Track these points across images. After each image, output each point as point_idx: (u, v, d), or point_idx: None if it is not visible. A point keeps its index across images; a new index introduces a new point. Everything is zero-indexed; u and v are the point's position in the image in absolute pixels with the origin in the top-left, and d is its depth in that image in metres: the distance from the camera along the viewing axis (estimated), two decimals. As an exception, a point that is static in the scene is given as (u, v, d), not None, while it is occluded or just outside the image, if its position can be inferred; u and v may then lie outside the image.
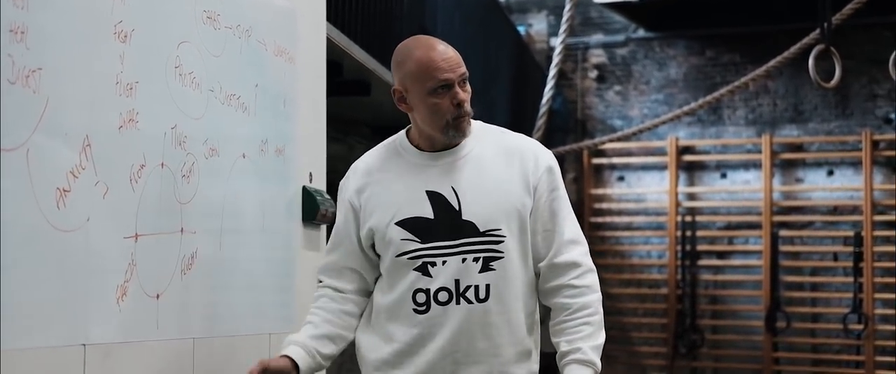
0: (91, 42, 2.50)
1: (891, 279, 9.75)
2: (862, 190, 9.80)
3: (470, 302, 2.84)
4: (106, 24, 2.56)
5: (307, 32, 3.78)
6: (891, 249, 9.75)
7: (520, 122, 9.37)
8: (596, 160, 10.90)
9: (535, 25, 11.29)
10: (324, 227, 3.86)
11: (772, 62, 7.89)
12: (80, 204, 2.44)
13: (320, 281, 2.98)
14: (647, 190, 10.71)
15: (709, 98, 8.48)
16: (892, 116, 9.97)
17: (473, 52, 8.35)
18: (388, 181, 2.92)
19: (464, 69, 2.89)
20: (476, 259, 2.86)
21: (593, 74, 11.10)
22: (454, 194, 2.88)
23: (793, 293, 10.11)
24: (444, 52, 2.87)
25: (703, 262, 10.39)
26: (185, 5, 2.94)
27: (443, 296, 2.83)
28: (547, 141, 9.31)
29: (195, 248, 2.95)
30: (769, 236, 10.01)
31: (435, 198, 2.88)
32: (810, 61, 7.42)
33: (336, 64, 5.44)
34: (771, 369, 10.01)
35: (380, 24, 6.09)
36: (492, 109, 8.99)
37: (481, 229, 2.86)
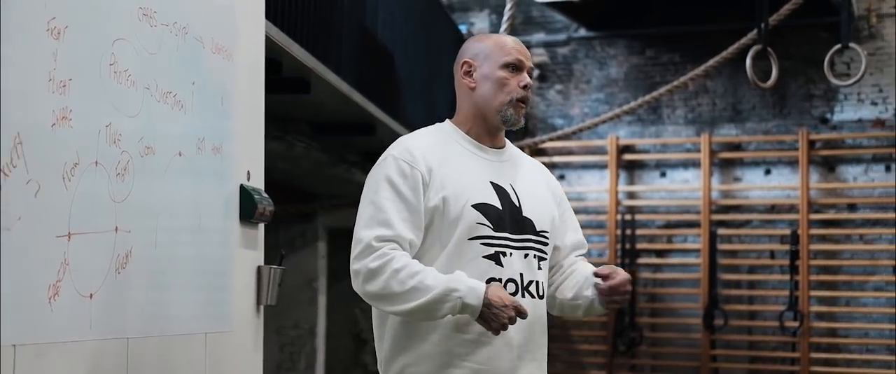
0: (23, 38, 2.47)
1: (826, 277, 9.88)
2: (798, 189, 9.91)
3: (533, 297, 2.95)
4: (39, 21, 2.53)
5: (246, 30, 3.75)
6: (826, 247, 9.89)
7: (461, 120, 9.38)
8: (536, 159, 10.93)
9: (477, 24, 11.30)
10: (262, 225, 3.85)
11: (710, 62, 7.97)
12: (11, 203, 2.41)
13: (376, 247, 2.79)
14: (587, 189, 10.77)
15: (648, 97, 8.55)
16: (829, 115, 10.10)
17: (414, 51, 8.35)
18: (453, 162, 2.94)
19: (532, 66, 3.07)
20: (535, 256, 2.98)
21: (534, 72, 11.13)
22: (513, 191, 2.98)
23: (730, 291, 10.21)
24: (521, 45, 3.06)
25: (642, 260, 10.46)
26: (120, 2, 2.92)
27: (510, 288, 2.89)
28: (488, 139, 9.33)
29: (130, 247, 2.92)
30: (708, 234, 10.10)
31: (499, 190, 2.96)
32: (747, 61, 7.51)
33: (275, 62, 5.41)
34: (708, 366, 10.10)
35: (320, 21, 6.07)
36: (433, 107, 9.00)
37: (538, 229, 2.99)
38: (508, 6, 7.62)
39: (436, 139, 2.98)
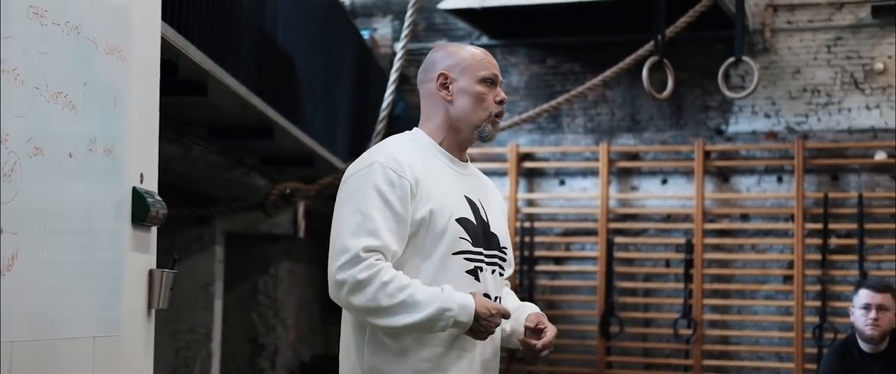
0: None
1: (719, 286, 10.06)
2: (693, 199, 10.08)
3: None
4: (-77, 17, 2.47)
5: (141, 30, 3.71)
6: (719, 256, 10.07)
7: (361, 126, 9.37)
8: (437, 165, 10.95)
9: (380, 30, 11.30)
10: (154, 229, 3.80)
11: (608, 72, 8.07)
12: None
13: (364, 257, 2.78)
14: (487, 196, 10.82)
15: (547, 106, 8.63)
16: (724, 127, 10.29)
17: (315, 55, 8.33)
18: (435, 175, 2.92)
19: (502, 79, 3.07)
20: (498, 273, 3.01)
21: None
22: (481, 206, 2.97)
23: (626, 299, 10.34)
24: (492, 57, 3.05)
25: (540, 267, 10.54)
26: (10, 0, 2.86)
27: None
28: (388, 145, 9.32)
29: (16, 249, 2.86)
30: (605, 242, 10.22)
31: (472, 205, 2.95)
32: (644, 72, 7.62)
33: (171, 64, 5.35)
34: (604, 373, 10.22)
35: (218, 24, 6.02)
36: (334, 112, 8.97)
37: (501, 245, 3.01)
38: (409, 13, 7.64)
39: (415, 149, 2.95)
